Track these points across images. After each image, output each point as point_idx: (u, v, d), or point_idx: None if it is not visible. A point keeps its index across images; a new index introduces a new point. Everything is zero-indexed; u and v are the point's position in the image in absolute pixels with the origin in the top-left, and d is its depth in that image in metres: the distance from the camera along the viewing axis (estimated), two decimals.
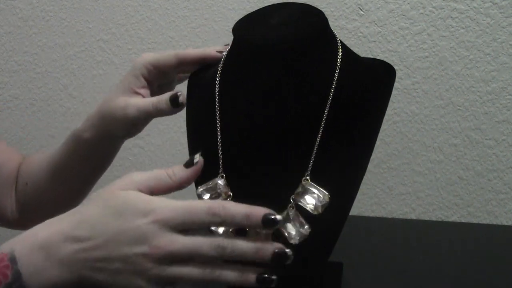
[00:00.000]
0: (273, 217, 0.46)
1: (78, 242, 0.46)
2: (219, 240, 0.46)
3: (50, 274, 0.46)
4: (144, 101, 0.62)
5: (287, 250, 0.46)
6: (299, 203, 0.54)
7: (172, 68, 0.64)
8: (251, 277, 0.46)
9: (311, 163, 0.55)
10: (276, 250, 0.46)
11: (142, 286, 0.46)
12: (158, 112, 0.61)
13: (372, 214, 1.03)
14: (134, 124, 0.64)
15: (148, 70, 0.63)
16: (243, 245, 0.46)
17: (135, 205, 0.47)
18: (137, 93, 0.63)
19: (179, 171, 0.50)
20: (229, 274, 0.46)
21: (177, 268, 0.46)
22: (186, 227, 0.46)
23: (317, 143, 0.55)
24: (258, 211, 0.46)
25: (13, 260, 0.46)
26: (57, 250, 0.46)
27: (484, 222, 0.99)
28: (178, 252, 0.45)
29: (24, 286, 0.45)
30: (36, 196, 0.71)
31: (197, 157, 0.49)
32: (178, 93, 0.60)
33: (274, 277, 0.46)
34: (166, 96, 0.60)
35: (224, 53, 0.62)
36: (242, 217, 0.46)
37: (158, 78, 0.64)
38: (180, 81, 0.69)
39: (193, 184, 0.59)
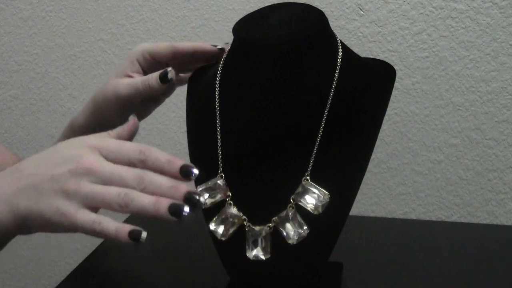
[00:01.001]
0: (192, 169, 0.49)
1: (16, 171, 0.50)
2: (140, 171, 0.49)
3: None
4: (134, 79, 0.63)
5: (202, 197, 0.48)
6: (299, 203, 0.54)
7: (167, 58, 0.64)
8: (164, 204, 0.47)
9: (311, 163, 0.55)
10: (189, 191, 0.48)
11: (61, 205, 0.47)
12: (147, 89, 0.62)
13: (372, 214, 1.03)
14: (125, 104, 0.64)
15: (144, 58, 0.64)
16: (161, 179, 0.48)
17: (72, 140, 0.51)
18: (130, 77, 0.64)
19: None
20: (144, 199, 0.47)
21: (96, 186, 0.48)
22: (114, 158, 0.49)
23: (317, 143, 0.55)
24: (179, 161, 0.49)
25: None
26: (1, 183, 0.49)
27: (484, 222, 0.99)
28: (101, 171, 0.48)
29: None
30: None
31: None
32: (168, 69, 0.61)
33: (186, 209, 0.47)
34: (155, 73, 0.61)
35: (225, 53, 0.62)
36: (165, 161, 0.49)
37: (153, 67, 0.65)
38: (180, 84, 0.69)
39: (193, 183, 0.59)
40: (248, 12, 0.61)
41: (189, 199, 0.47)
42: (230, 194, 0.57)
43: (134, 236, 0.47)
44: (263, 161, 0.57)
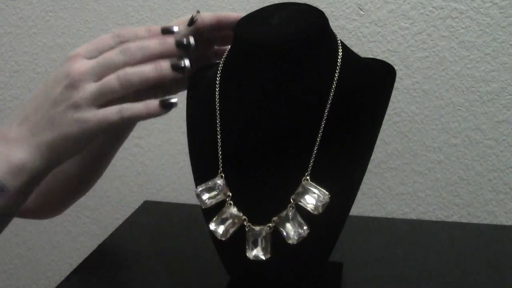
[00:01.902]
0: (172, 28, 0.52)
1: (26, 119, 0.51)
2: (124, 45, 0.50)
3: (12, 156, 0.50)
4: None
5: (191, 38, 0.51)
6: (299, 203, 0.54)
7: (210, 29, 0.63)
8: (166, 64, 0.50)
9: (311, 163, 0.55)
10: (178, 38, 0.51)
11: (79, 116, 0.49)
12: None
13: (372, 214, 1.03)
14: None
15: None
16: (146, 41, 0.50)
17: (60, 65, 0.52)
18: None
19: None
20: (144, 67, 0.49)
21: (95, 83, 0.49)
22: (97, 53, 0.51)
23: (317, 143, 0.55)
24: (157, 26, 0.52)
25: None
26: (12, 134, 0.51)
27: (484, 222, 0.99)
28: (91, 69, 0.49)
29: None
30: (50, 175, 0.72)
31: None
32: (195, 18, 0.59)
33: (186, 62, 0.50)
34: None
35: (225, 53, 0.62)
36: (144, 31, 0.51)
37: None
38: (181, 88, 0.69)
39: (192, 184, 0.59)
40: (248, 12, 0.61)
41: (180, 43, 0.50)
42: (230, 194, 0.57)
43: (165, 103, 0.50)
44: (263, 161, 0.57)
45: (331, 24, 0.59)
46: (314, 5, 0.59)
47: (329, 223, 0.54)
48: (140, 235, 0.88)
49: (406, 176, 1.01)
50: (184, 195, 1.11)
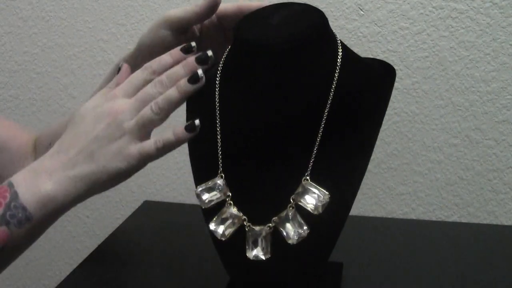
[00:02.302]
0: (189, 44, 0.56)
1: (58, 153, 0.53)
2: (157, 78, 0.55)
3: (43, 187, 0.51)
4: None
5: (209, 52, 0.56)
6: (299, 203, 0.54)
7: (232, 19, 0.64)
8: (183, 81, 0.54)
9: (311, 163, 0.55)
10: (197, 55, 0.55)
11: (121, 151, 0.52)
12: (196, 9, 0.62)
13: (372, 214, 1.03)
14: (177, 29, 0.63)
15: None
16: (173, 69, 0.55)
17: (86, 105, 0.55)
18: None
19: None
20: (170, 93, 0.54)
21: (135, 118, 0.53)
22: (133, 90, 0.55)
23: (317, 143, 0.55)
24: (176, 48, 0.57)
25: (10, 184, 0.52)
26: (44, 166, 0.52)
27: (484, 222, 0.99)
28: (132, 106, 0.53)
29: (21, 202, 0.51)
30: None
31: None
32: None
33: (199, 72, 0.54)
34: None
35: (225, 53, 0.62)
36: (166, 57, 0.56)
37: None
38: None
39: (192, 184, 0.59)
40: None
41: (200, 59, 0.55)
42: (230, 194, 0.57)
43: (189, 128, 0.54)
44: (263, 161, 0.57)
45: (331, 24, 0.59)
46: (314, 5, 0.59)
47: (329, 223, 0.54)
48: (140, 235, 0.88)
49: (406, 176, 1.01)
50: (184, 195, 1.11)
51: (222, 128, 0.58)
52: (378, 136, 0.58)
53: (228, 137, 0.58)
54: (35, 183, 0.51)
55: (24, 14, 1.14)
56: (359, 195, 0.56)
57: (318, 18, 0.58)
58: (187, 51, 0.56)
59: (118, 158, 0.52)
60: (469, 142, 0.97)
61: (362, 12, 0.96)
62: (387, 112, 0.58)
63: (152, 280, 0.74)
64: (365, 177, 0.56)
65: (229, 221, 0.56)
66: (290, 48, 0.55)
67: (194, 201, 0.58)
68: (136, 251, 0.82)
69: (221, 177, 0.57)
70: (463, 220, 1.00)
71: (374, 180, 1.02)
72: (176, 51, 0.56)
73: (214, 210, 0.57)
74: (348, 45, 0.61)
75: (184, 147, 0.66)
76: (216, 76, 0.60)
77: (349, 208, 0.56)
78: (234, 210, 0.56)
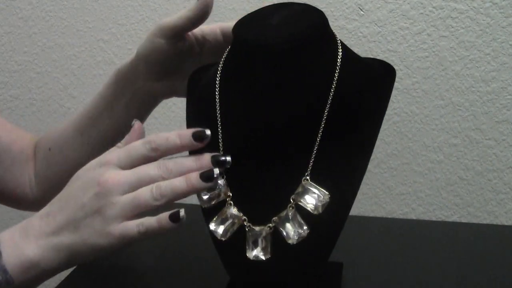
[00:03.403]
0: (203, 132, 0.52)
1: (48, 215, 0.51)
2: (160, 161, 0.51)
3: (27, 250, 0.49)
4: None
5: (228, 157, 0.52)
6: (299, 203, 0.54)
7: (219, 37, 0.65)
8: (194, 176, 0.50)
9: (311, 163, 0.55)
10: (213, 155, 0.52)
11: (103, 227, 0.49)
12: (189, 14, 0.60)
13: (372, 214, 1.03)
14: (172, 37, 0.62)
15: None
16: (184, 160, 0.51)
17: (82, 169, 0.52)
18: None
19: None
20: (175, 182, 0.50)
21: (127, 195, 0.49)
22: (130, 162, 0.51)
23: (317, 143, 0.55)
24: (188, 131, 0.52)
25: None
26: (33, 228, 0.50)
27: (484, 222, 0.99)
28: (124, 180, 0.49)
29: (3, 264, 0.48)
30: (60, 160, 0.71)
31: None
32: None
33: (216, 170, 0.51)
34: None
35: (225, 53, 0.62)
36: (175, 137, 0.51)
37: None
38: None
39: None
40: (248, 12, 0.61)
41: (216, 161, 0.51)
42: (231, 194, 0.56)
43: (174, 218, 0.50)
44: (263, 161, 0.57)
45: (331, 24, 0.59)
46: (314, 5, 0.59)
47: (329, 223, 0.54)
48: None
49: (406, 176, 1.01)
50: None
51: (222, 128, 0.58)
52: (378, 136, 0.58)
53: (228, 137, 0.58)
54: (20, 246, 0.49)
55: (24, 14, 1.14)
56: (359, 195, 0.56)
57: (318, 18, 0.58)
58: (198, 138, 0.52)
59: (99, 235, 0.49)
60: (469, 142, 0.97)
61: (362, 12, 0.96)
62: (387, 112, 0.58)
63: (152, 280, 0.74)
64: (365, 177, 0.56)
65: (229, 221, 0.56)
66: (290, 48, 0.55)
67: (194, 201, 0.58)
68: (136, 251, 0.82)
69: (222, 177, 0.57)
70: (463, 220, 1.00)
71: (374, 180, 1.02)
72: (186, 136, 0.52)
73: (214, 210, 0.56)
74: (348, 45, 0.61)
75: None
76: (216, 76, 0.60)
77: (349, 208, 0.56)
78: (234, 210, 0.56)
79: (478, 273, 0.71)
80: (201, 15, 0.59)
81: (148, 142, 0.52)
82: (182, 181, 0.50)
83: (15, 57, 1.17)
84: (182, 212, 0.51)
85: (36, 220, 0.51)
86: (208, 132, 0.52)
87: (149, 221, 0.50)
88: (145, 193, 0.50)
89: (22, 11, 1.14)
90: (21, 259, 0.49)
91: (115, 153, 0.52)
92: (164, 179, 0.51)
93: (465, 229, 0.87)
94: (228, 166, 0.52)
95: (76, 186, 0.51)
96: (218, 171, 0.51)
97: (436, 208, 1.01)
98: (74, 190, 0.51)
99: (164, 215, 0.50)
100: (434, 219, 1.01)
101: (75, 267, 0.78)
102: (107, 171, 0.50)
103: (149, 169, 0.51)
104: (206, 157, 0.52)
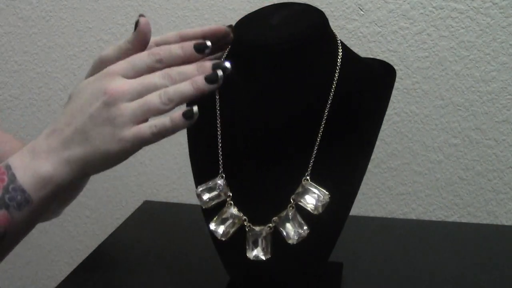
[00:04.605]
0: (204, 43, 0.53)
1: (54, 132, 0.51)
2: (164, 70, 0.51)
3: (39, 168, 0.50)
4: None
5: (228, 62, 0.52)
6: (299, 203, 0.54)
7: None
8: (200, 79, 0.51)
9: (311, 163, 0.55)
10: (215, 63, 0.52)
11: (115, 133, 0.50)
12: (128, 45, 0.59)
13: (372, 214, 1.03)
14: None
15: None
16: (186, 67, 0.52)
17: (86, 80, 0.53)
18: None
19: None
20: (181, 86, 0.51)
21: (135, 102, 0.50)
22: (135, 72, 0.52)
23: (317, 143, 0.55)
24: (189, 43, 0.53)
25: (8, 167, 0.50)
26: (41, 146, 0.51)
27: (484, 222, 0.99)
28: (131, 88, 0.50)
29: (20, 184, 0.50)
30: None
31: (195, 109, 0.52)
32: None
33: (220, 72, 0.51)
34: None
35: (225, 53, 0.62)
36: (178, 48, 0.52)
37: None
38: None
39: (193, 184, 0.59)
40: (248, 12, 0.61)
41: (218, 66, 0.51)
42: (231, 194, 0.57)
43: (187, 115, 0.50)
44: (263, 161, 0.57)
45: (331, 24, 0.59)
46: (314, 5, 0.59)
47: (329, 223, 0.54)
48: (140, 235, 0.88)
49: (406, 176, 1.01)
50: (184, 195, 1.11)
51: (222, 128, 0.58)
52: (378, 136, 0.58)
53: (228, 137, 0.58)
54: (32, 165, 0.50)
55: (24, 14, 1.14)
56: (359, 195, 0.56)
57: (318, 18, 0.58)
58: (200, 50, 0.53)
59: (111, 141, 0.50)
60: (469, 142, 0.97)
61: (362, 12, 0.96)
62: (387, 112, 0.58)
63: (152, 280, 0.74)
64: (365, 177, 0.56)
65: (230, 221, 0.56)
66: (290, 48, 0.55)
67: (194, 201, 0.58)
68: (136, 251, 0.82)
69: (222, 177, 0.57)
70: (463, 220, 1.00)
71: (374, 180, 1.02)
72: (188, 46, 0.53)
73: (215, 210, 0.57)
74: (348, 45, 0.61)
75: (184, 147, 0.66)
76: None
77: (349, 208, 0.56)
78: (234, 210, 0.56)
79: (478, 273, 0.71)
80: (141, 46, 0.57)
81: (153, 54, 0.52)
82: (188, 84, 0.51)
83: (15, 57, 1.17)
84: (195, 108, 0.51)
85: (43, 139, 0.51)
86: (208, 43, 0.53)
87: (162, 121, 0.50)
88: (153, 98, 0.50)
89: (22, 11, 1.14)
90: (36, 177, 0.50)
91: (119, 65, 0.52)
92: (168, 87, 0.51)
93: (465, 229, 0.88)
94: (229, 72, 0.52)
95: (81, 98, 0.51)
96: (221, 73, 0.51)
97: (436, 208, 1.01)
98: (79, 103, 0.51)
99: (177, 113, 0.51)
100: (434, 219, 1.01)
101: (75, 267, 0.78)
102: (113, 80, 0.51)
103: (154, 77, 0.51)
104: (207, 64, 0.52)
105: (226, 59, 0.61)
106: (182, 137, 1.06)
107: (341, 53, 0.58)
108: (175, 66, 0.53)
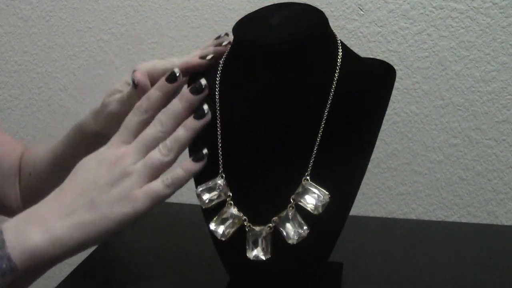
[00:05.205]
0: (172, 74, 0.53)
1: (55, 199, 0.50)
2: (156, 118, 0.52)
3: (30, 238, 0.47)
4: (122, 93, 0.64)
5: (202, 81, 0.52)
6: (299, 203, 0.54)
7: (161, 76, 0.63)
8: (191, 121, 0.51)
9: (311, 163, 0.55)
10: (192, 87, 0.52)
11: (126, 196, 0.49)
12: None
13: (372, 214, 1.03)
14: (119, 119, 0.62)
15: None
16: (171, 107, 0.52)
17: (94, 154, 0.52)
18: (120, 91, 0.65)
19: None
20: (180, 134, 0.51)
21: (140, 162, 0.50)
22: (131, 134, 0.52)
23: (317, 143, 0.55)
24: (162, 79, 0.53)
25: (0, 232, 0.48)
26: (39, 213, 0.49)
27: (484, 222, 0.99)
28: (133, 150, 0.51)
29: (7, 252, 0.47)
30: (39, 186, 0.73)
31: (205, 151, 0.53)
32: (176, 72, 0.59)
33: (205, 107, 0.52)
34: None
35: (225, 53, 0.62)
36: (154, 92, 0.53)
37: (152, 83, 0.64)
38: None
39: (192, 184, 0.59)
40: (248, 12, 0.61)
41: (196, 89, 0.52)
42: (231, 194, 0.56)
43: (198, 157, 0.51)
44: (263, 161, 0.57)
45: (331, 24, 0.59)
46: (314, 5, 0.59)
47: (329, 223, 0.54)
48: (140, 235, 0.88)
49: (406, 176, 1.01)
50: (184, 195, 1.11)
51: (222, 128, 0.58)
52: (378, 136, 0.58)
53: (228, 137, 0.58)
54: (24, 233, 0.48)
55: (24, 14, 1.14)
56: (359, 195, 0.56)
57: (318, 18, 0.58)
58: (172, 80, 0.53)
59: (121, 203, 0.48)
60: (469, 142, 0.97)
61: (362, 12, 0.96)
62: (387, 112, 0.58)
63: (152, 280, 0.74)
64: (365, 177, 0.56)
65: (230, 221, 0.56)
66: (290, 48, 0.55)
67: (194, 201, 0.58)
68: (136, 251, 0.82)
69: (222, 177, 0.57)
70: (463, 220, 1.00)
71: (374, 180, 1.02)
72: (162, 83, 0.53)
73: (214, 210, 0.57)
74: (348, 45, 0.61)
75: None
76: (216, 76, 0.60)
77: (349, 208, 0.56)
78: (234, 210, 0.56)
79: (478, 273, 0.71)
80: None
81: (137, 109, 0.53)
82: (181, 130, 0.51)
83: (15, 57, 1.17)
84: (205, 150, 0.51)
85: (42, 207, 0.50)
86: (177, 70, 0.53)
87: (173, 172, 0.50)
88: (155, 154, 0.51)
89: (22, 11, 1.14)
90: (26, 246, 0.47)
91: (115, 136, 0.52)
92: (163, 132, 0.52)
93: (465, 229, 0.87)
94: (206, 90, 0.53)
95: (86, 169, 0.51)
96: (207, 106, 0.52)
97: (436, 208, 1.01)
98: (83, 174, 0.51)
99: (187, 161, 0.51)
100: (434, 219, 1.01)
101: (75, 267, 0.78)
102: (114, 149, 0.51)
103: (147, 131, 0.52)
104: (187, 93, 0.52)
105: (226, 59, 0.61)
106: None
107: (341, 53, 0.58)
108: (162, 107, 0.53)
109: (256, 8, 0.61)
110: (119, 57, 1.12)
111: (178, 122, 0.52)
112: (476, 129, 0.96)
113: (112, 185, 0.49)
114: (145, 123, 0.52)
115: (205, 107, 0.52)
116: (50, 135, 1.20)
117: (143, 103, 0.52)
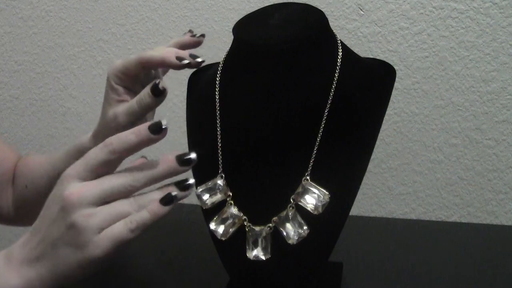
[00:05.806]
0: (159, 124, 0.48)
1: (29, 239, 0.49)
2: (128, 169, 0.48)
3: (11, 279, 0.47)
4: (129, 103, 0.60)
5: (191, 154, 0.49)
6: (299, 203, 0.54)
7: (140, 71, 0.61)
8: (156, 205, 0.48)
9: (311, 163, 0.55)
10: (177, 155, 0.49)
11: (87, 240, 0.46)
12: (145, 107, 0.58)
13: (372, 214, 1.03)
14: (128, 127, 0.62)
15: (119, 78, 0.61)
16: (153, 170, 0.49)
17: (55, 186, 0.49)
18: (124, 101, 0.61)
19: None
20: (153, 194, 0.48)
21: (104, 206, 0.46)
22: (89, 172, 0.48)
23: (317, 143, 0.55)
24: (144, 125, 0.48)
25: None
26: (17, 254, 0.48)
27: (484, 222, 0.99)
28: (89, 192, 0.46)
29: None
30: (36, 199, 0.72)
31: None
32: (157, 81, 0.56)
33: (163, 121, 0.47)
34: (146, 89, 0.58)
35: (225, 53, 0.62)
36: (130, 134, 0.48)
37: (132, 82, 0.62)
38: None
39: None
40: (248, 12, 0.61)
41: (154, 130, 0.47)
42: (231, 194, 0.57)
43: (166, 200, 0.48)
44: (263, 161, 0.57)
45: (331, 24, 0.59)
46: (314, 5, 0.59)
47: (329, 223, 0.54)
48: (140, 235, 0.88)
49: (406, 176, 1.01)
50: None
51: (222, 128, 0.58)
52: (378, 136, 0.58)
53: (228, 137, 0.58)
54: (4, 275, 0.47)
55: (24, 14, 1.14)
56: (359, 195, 0.56)
57: (318, 18, 0.58)
58: (155, 131, 0.48)
59: (82, 248, 0.46)
60: (469, 142, 0.97)
61: (362, 12, 0.96)
62: (387, 112, 0.58)
63: (152, 280, 0.74)
64: (365, 177, 0.56)
65: (230, 221, 0.56)
66: (290, 48, 0.55)
67: (194, 201, 0.58)
68: (136, 251, 0.82)
69: (221, 177, 0.57)
70: (463, 220, 1.00)
71: (374, 180, 1.02)
72: (142, 130, 0.48)
73: (215, 210, 0.57)
74: (348, 45, 0.61)
75: (184, 147, 0.65)
76: (216, 76, 0.60)
77: (349, 208, 0.56)
78: (234, 210, 0.56)
79: (478, 273, 0.71)
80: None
81: (105, 145, 0.48)
82: (159, 193, 0.49)
83: (15, 57, 1.17)
84: (174, 193, 0.48)
85: (20, 247, 0.49)
86: (164, 122, 0.48)
87: (138, 215, 0.47)
88: (119, 205, 0.47)
89: (22, 11, 1.14)
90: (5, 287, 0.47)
91: (74, 168, 0.48)
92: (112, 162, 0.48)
93: (465, 229, 0.88)
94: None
95: (46, 207, 0.49)
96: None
97: (436, 208, 1.01)
98: (44, 211, 0.49)
99: (155, 203, 0.48)
100: (434, 219, 1.01)
101: None
102: (69, 185, 0.47)
103: (116, 180, 0.48)
104: (170, 157, 0.49)
105: (226, 58, 0.61)
106: (182, 136, 1.06)
107: (341, 53, 0.58)
108: (130, 154, 0.49)
109: (256, 8, 0.61)
110: (119, 57, 1.12)
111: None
112: (476, 129, 0.96)
113: (69, 227, 0.46)
114: (109, 164, 0.48)
115: (174, 193, 0.49)
116: (50, 135, 1.20)
117: (113, 141, 0.48)
